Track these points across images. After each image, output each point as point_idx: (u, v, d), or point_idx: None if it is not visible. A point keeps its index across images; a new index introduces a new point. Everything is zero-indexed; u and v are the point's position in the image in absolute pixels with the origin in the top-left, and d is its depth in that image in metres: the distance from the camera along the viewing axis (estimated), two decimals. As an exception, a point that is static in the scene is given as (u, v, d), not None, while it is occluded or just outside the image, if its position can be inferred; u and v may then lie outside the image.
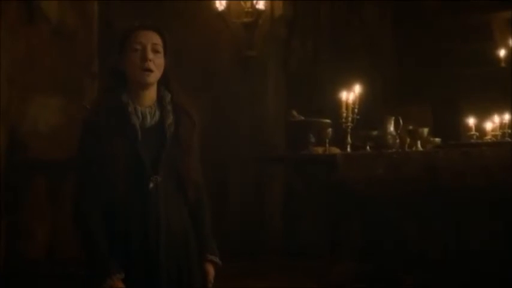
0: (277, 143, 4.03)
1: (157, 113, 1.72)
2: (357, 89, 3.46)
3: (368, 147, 3.40)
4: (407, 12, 4.30)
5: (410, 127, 3.37)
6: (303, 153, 3.59)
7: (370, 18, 4.27)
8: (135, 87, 1.71)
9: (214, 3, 3.91)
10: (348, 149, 3.47)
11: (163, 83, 1.76)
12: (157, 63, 1.70)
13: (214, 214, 1.80)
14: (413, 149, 3.23)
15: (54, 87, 3.80)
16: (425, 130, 3.25)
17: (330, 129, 3.52)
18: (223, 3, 3.90)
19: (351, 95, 3.47)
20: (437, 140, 3.40)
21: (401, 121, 3.34)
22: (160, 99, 1.74)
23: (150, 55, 1.69)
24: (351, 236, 3.46)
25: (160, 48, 1.72)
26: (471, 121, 3.55)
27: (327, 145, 3.52)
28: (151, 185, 1.65)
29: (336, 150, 3.54)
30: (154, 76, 1.71)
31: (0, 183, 3.55)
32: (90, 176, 1.64)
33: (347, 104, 3.45)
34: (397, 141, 3.32)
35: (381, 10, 4.30)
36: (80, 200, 1.66)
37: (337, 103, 3.52)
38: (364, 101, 3.56)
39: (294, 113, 3.64)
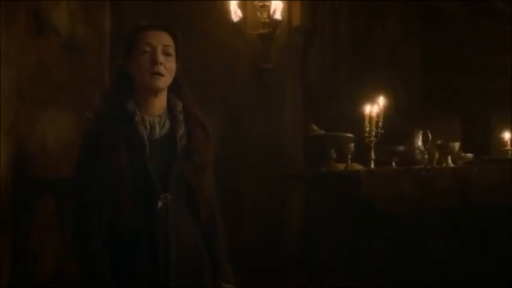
0: (296, 158, 3.83)
1: (168, 123, 1.55)
2: (381, 101, 3.27)
3: (393, 163, 3.20)
4: (432, 21, 4.12)
5: (439, 141, 3.16)
6: (323, 170, 3.40)
7: (393, 27, 4.09)
8: (143, 94, 1.54)
9: (230, 14, 3.76)
10: (372, 165, 3.27)
11: (174, 89, 1.59)
12: (168, 67, 1.54)
13: (228, 234, 1.65)
14: (444, 165, 3.03)
15: (64, 102, 3.68)
16: (457, 145, 3.04)
17: (352, 144, 3.33)
18: (239, 14, 3.75)
19: (374, 107, 3.28)
20: (469, 155, 3.18)
21: (430, 135, 3.13)
22: (170, 107, 1.57)
23: (161, 58, 1.52)
24: (376, 257, 3.25)
25: (172, 51, 1.55)
26: (507, 136, 3.32)
27: (349, 161, 3.32)
28: (160, 203, 1.48)
29: (358, 166, 3.35)
30: (165, 81, 1.54)
31: (7, 202, 3.43)
32: (91, 194, 1.47)
33: (370, 117, 3.26)
34: (426, 156, 3.11)
35: (405, 19, 4.12)
36: (80, 222, 1.49)
37: (360, 116, 3.33)
38: (387, 114, 3.38)
39: (314, 126, 3.46)
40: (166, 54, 1.54)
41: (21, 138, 3.53)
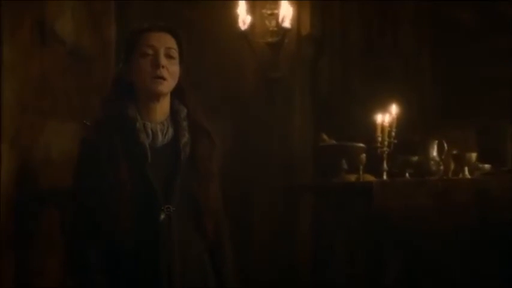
0: (305, 169, 3.73)
1: (171, 130, 1.46)
2: (394, 109, 3.17)
3: (407, 174, 3.09)
4: (446, 30, 4.02)
5: (455, 152, 3.04)
6: (334, 181, 3.29)
7: (405, 36, 3.99)
8: (145, 99, 1.45)
9: (237, 23, 3.68)
10: (384, 176, 3.16)
11: (177, 95, 1.50)
12: (171, 71, 1.45)
13: (234, 249, 1.56)
14: (460, 176, 2.91)
15: (68, 112, 3.60)
16: (474, 155, 2.92)
17: (363, 155, 3.22)
18: (247, 22, 3.68)
19: (386, 116, 3.18)
20: (487, 166, 3.06)
21: (445, 145, 3.02)
22: (174, 114, 1.48)
23: (163, 61, 1.43)
24: (390, 273, 3.12)
25: (175, 54, 1.46)
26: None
27: (361, 172, 3.21)
28: (162, 216, 1.38)
29: (370, 177, 3.24)
30: (168, 85, 1.45)
31: (10, 215, 3.36)
32: (89, 206, 1.38)
33: (383, 127, 3.16)
34: (441, 167, 2.99)
35: (418, 28, 4.02)
36: (76, 237, 1.39)
37: (372, 126, 3.23)
38: (400, 123, 3.28)
39: (325, 136, 3.35)
40: (169, 57, 1.45)
41: (25, 150, 3.46)
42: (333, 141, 3.34)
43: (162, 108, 1.46)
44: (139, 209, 1.38)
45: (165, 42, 1.45)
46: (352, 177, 3.27)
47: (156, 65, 1.42)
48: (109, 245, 1.39)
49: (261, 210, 3.74)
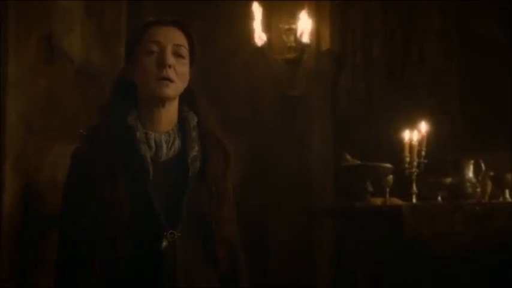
0: (325, 192, 3.53)
1: (178, 142, 1.25)
2: (423, 127, 2.95)
3: (439, 198, 2.85)
4: (474, 44, 3.83)
5: (491, 173, 2.80)
6: (358, 205, 3.06)
7: (432, 51, 3.81)
8: (148, 105, 1.25)
9: (253, 38, 3.54)
10: (414, 200, 2.93)
11: (187, 100, 1.29)
12: (179, 72, 1.24)
13: (250, 278, 1.36)
14: (500, 199, 2.66)
15: (75, 132, 3.44)
16: (515, 176, 2.68)
17: (390, 176, 2.99)
18: (263, 37, 3.54)
19: (414, 134, 2.96)
20: (529, 188, 2.81)
21: (483, 166, 2.78)
22: (182, 122, 1.27)
23: (171, 60, 1.23)
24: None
25: (185, 52, 1.26)
26: None
27: (387, 195, 2.98)
28: (164, 243, 1.16)
29: (397, 201, 3.00)
30: (175, 88, 1.24)
31: (14, 240, 3.19)
32: (80, 230, 1.16)
33: (411, 146, 2.94)
34: (478, 190, 2.75)
35: (445, 42, 3.84)
36: (65, 266, 1.18)
37: (398, 145, 3.02)
38: (428, 143, 3.06)
39: (348, 156, 3.13)
40: (178, 55, 1.24)
41: (29, 172, 3.31)
42: (357, 161, 3.12)
43: (168, 115, 1.25)
44: (138, 234, 1.17)
45: (173, 39, 1.24)
46: (378, 201, 3.05)
47: (162, 64, 1.21)
48: (104, 276, 1.17)
49: (278, 235, 3.56)
